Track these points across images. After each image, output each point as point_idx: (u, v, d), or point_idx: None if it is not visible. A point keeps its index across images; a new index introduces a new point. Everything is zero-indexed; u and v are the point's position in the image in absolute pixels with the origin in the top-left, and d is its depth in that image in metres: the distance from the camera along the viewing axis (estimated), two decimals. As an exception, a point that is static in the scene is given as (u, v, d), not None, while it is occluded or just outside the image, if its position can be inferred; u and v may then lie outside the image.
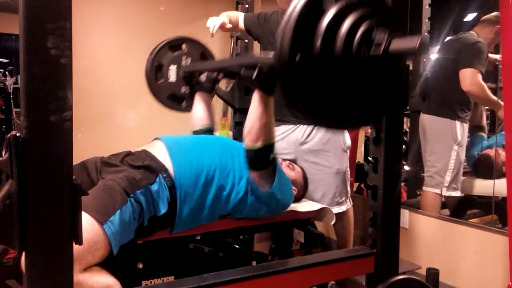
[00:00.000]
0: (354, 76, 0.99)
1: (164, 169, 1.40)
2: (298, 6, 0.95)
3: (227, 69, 1.87)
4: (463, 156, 2.59)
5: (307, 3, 0.95)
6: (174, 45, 2.05)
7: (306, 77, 0.97)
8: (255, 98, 1.41)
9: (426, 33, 3.15)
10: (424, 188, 2.66)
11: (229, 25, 2.12)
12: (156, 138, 1.58)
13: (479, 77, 2.38)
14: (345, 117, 1.09)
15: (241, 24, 2.26)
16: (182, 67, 2.04)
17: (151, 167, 1.38)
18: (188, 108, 2.01)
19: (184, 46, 2.07)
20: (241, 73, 1.57)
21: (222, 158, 1.51)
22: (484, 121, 3.01)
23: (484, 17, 2.58)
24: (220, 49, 2.44)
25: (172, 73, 2.03)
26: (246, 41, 2.61)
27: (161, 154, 1.46)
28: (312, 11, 0.96)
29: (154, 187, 1.34)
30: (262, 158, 1.43)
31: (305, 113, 1.06)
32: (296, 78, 0.97)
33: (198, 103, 1.92)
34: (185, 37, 2.09)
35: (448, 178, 2.53)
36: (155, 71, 2.01)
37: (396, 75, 1.12)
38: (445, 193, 2.55)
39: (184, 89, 2.06)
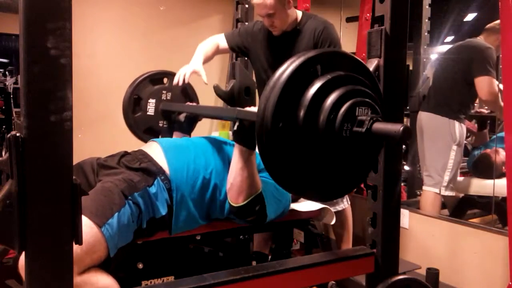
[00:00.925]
0: (335, 150, 0.99)
1: (162, 171, 1.39)
2: (285, 74, 0.96)
3: (206, 117, 1.84)
4: (461, 156, 2.59)
5: (294, 72, 0.96)
6: (155, 78, 2.03)
7: (286, 145, 0.97)
8: (236, 152, 1.38)
9: (426, 33, 3.16)
10: (423, 187, 2.66)
11: (201, 71, 1.98)
12: (152, 140, 1.57)
13: (496, 85, 2.39)
14: (324, 188, 1.09)
15: (224, 45, 2.22)
16: (162, 101, 2.00)
17: (149, 169, 1.38)
18: None
19: (165, 80, 2.05)
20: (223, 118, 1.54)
21: (218, 161, 1.50)
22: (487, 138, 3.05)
23: (489, 26, 2.58)
24: (219, 56, 2.43)
25: (151, 107, 2.00)
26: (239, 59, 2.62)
27: (158, 156, 1.45)
28: (298, 80, 0.97)
29: (152, 189, 1.34)
30: (247, 212, 1.41)
31: (278, 182, 1.04)
32: (276, 145, 0.97)
33: None
34: (167, 72, 2.07)
35: (446, 177, 2.54)
36: (133, 104, 1.98)
37: (376, 153, 1.13)
38: (444, 192, 2.56)
39: (161, 124, 2.03)
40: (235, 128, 1.38)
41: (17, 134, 0.70)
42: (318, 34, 2.05)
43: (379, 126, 0.96)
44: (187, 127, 1.93)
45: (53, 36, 0.71)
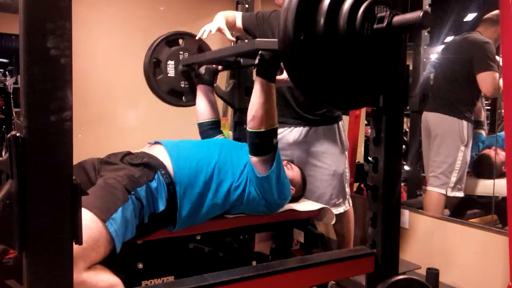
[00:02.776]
0: (358, 53, 1.00)
1: (162, 166, 1.41)
2: None
3: (226, 60, 1.86)
4: (468, 157, 2.58)
5: None
6: (171, 40, 2.06)
7: (310, 56, 0.98)
8: (257, 86, 1.44)
9: (426, 33, 3.15)
10: (428, 188, 2.63)
11: (225, 29, 2.03)
12: (156, 142, 1.58)
13: (498, 79, 2.38)
14: (349, 96, 1.10)
15: (239, 24, 2.24)
16: (180, 62, 2.04)
17: (150, 164, 1.40)
18: (189, 103, 2.03)
19: (181, 41, 2.08)
20: (242, 63, 1.57)
21: (221, 156, 1.53)
22: (483, 116, 3.01)
23: (486, 16, 2.57)
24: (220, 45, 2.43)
25: (171, 68, 2.04)
26: (246, 40, 2.61)
27: (161, 154, 1.47)
28: None
29: (153, 184, 1.35)
30: (266, 142, 1.46)
31: (310, 96, 1.06)
32: (301, 58, 0.98)
33: (200, 97, 1.93)
34: (181, 32, 2.10)
35: (454, 178, 2.52)
36: (153, 67, 2.02)
37: (398, 52, 1.12)
38: (450, 193, 2.53)
39: (183, 84, 2.07)
40: (256, 61, 1.41)
41: (17, 134, 0.70)
42: None
43: (399, 18, 0.96)
44: (209, 79, 1.96)
45: (53, 36, 0.71)
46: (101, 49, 3.04)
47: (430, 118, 2.66)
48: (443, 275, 1.92)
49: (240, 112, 2.27)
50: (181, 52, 2.05)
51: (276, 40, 1.13)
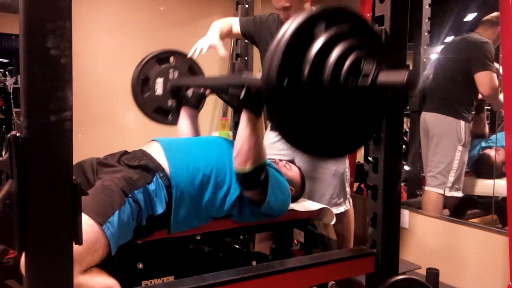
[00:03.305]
0: (341, 105, 0.99)
1: (160, 168, 1.40)
2: (289, 31, 0.95)
3: (214, 87, 1.84)
4: (466, 157, 2.58)
5: (298, 28, 0.95)
6: (161, 58, 2.02)
7: (292, 103, 0.97)
8: (243, 119, 1.39)
9: (426, 33, 3.16)
10: (426, 188, 2.64)
11: (218, 44, 1.97)
12: (153, 140, 1.57)
13: (496, 79, 2.38)
14: (329, 145, 1.09)
15: (237, 29, 2.22)
16: (169, 81, 2.00)
17: (148, 166, 1.38)
18: (175, 122, 1.97)
19: (171, 59, 2.04)
20: (229, 92, 1.56)
21: (219, 159, 1.50)
22: (487, 130, 3.03)
23: (485, 18, 2.57)
24: (219, 56, 2.43)
25: (159, 86, 2.00)
26: (246, 41, 2.61)
27: (158, 154, 1.45)
28: (302, 37, 0.96)
29: (151, 186, 1.34)
30: (253, 180, 1.42)
31: (286, 139, 1.04)
32: (283, 103, 0.97)
33: (183, 118, 1.89)
34: (172, 50, 2.06)
35: (451, 178, 2.52)
36: (141, 84, 1.98)
37: (382, 106, 1.12)
38: (448, 193, 2.54)
39: (170, 102, 2.02)
40: (242, 95, 1.37)
41: (17, 134, 0.70)
42: None
43: (384, 76, 0.96)
44: (195, 103, 1.91)
45: (53, 36, 0.71)
46: (101, 49, 3.04)
47: (428, 118, 2.67)
48: (443, 275, 1.92)
49: (240, 112, 2.26)
50: (170, 70, 2.01)
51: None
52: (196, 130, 1.91)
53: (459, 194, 2.58)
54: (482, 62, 2.39)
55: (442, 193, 2.55)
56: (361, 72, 0.97)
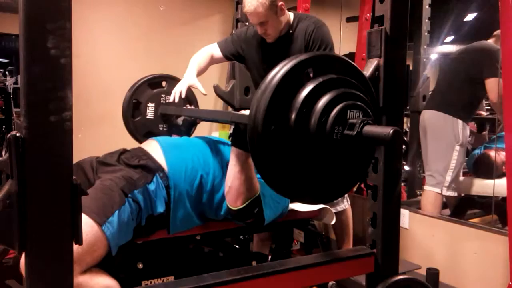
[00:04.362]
0: (327, 153, 0.99)
1: (160, 168, 1.39)
2: (277, 76, 0.96)
3: (203, 119, 1.84)
4: (463, 157, 2.59)
5: (286, 74, 0.96)
6: (153, 82, 2.03)
7: (277, 149, 0.97)
8: (233, 155, 1.38)
9: (426, 33, 3.16)
10: (425, 187, 2.65)
11: (197, 83, 1.94)
12: (152, 139, 1.57)
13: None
14: (315, 192, 1.09)
15: (218, 55, 2.19)
16: (160, 105, 2.01)
17: (148, 166, 1.38)
18: None
19: (164, 83, 2.05)
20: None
21: (216, 161, 1.50)
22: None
23: (497, 32, 2.56)
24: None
25: (150, 111, 2.01)
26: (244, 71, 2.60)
27: (156, 153, 1.45)
28: (290, 83, 0.97)
29: (151, 186, 1.34)
30: (246, 215, 1.42)
31: (270, 184, 1.04)
32: (267, 149, 0.97)
33: None
34: (165, 75, 2.06)
35: (448, 178, 2.53)
36: (132, 108, 1.99)
37: (369, 156, 1.13)
38: (445, 193, 2.55)
39: (161, 127, 2.03)
40: (231, 131, 1.36)
41: (17, 134, 0.70)
42: (308, 35, 2.03)
43: (369, 129, 0.96)
44: (185, 130, 1.93)
45: (53, 36, 0.71)
46: (101, 49, 3.04)
47: (426, 116, 2.68)
48: (443, 275, 1.92)
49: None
50: (162, 95, 2.01)
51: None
52: None
53: (456, 193, 2.59)
54: (495, 69, 2.38)
55: (440, 192, 2.55)
56: (347, 122, 0.98)
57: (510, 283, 1.68)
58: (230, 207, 1.39)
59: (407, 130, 3.34)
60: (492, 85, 2.39)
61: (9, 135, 0.70)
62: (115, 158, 1.43)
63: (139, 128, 2.00)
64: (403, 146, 2.91)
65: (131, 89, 2.00)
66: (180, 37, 3.22)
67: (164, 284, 1.33)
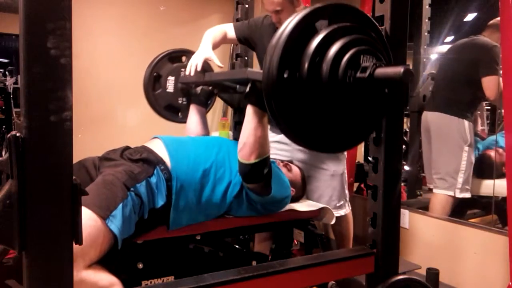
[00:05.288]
0: (340, 99, 1.00)
1: (161, 161, 1.41)
2: (290, 25, 0.96)
3: (220, 83, 1.85)
4: (473, 157, 2.55)
5: (300, 23, 0.96)
6: (173, 56, 2.09)
7: (292, 97, 0.98)
8: (248, 113, 1.41)
9: (426, 33, 3.16)
10: (435, 190, 2.60)
11: (213, 56, 1.93)
12: (155, 137, 1.59)
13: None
14: (328, 139, 1.09)
15: (232, 35, 2.20)
16: (179, 79, 2.06)
17: (149, 159, 1.40)
18: (184, 119, 2.02)
19: (183, 58, 2.10)
20: (237, 89, 1.57)
21: (219, 155, 1.53)
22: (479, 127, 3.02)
23: (492, 22, 2.56)
24: (220, 49, 2.43)
25: (170, 84, 2.07)
26: (246, 58, 2.60)
27: (159, 148, 1.47)
28: (304, 31, 0.97)
29: (153, 179, 1.36)
30: (256, 173, 1.43)
31: (285, 133, 1.05)
32: (282, 96, 0.97)
33: (192, 116, 1.92)
34: (185, 50, 2.12)
35: (460, 179, 2.49)
36: (153, 81, 2.04)
37: (381, 102, 1.12)
38: (459, 195, 2.50)
39: (181, 100, 2.08)
40: (247, 89, 1.40)
41: (17, 134, 0.70)
42: None
43: (381, 70, 0.97)
44: (204, 100, 1.96)
45: (53, 36, 0.71)
46: (101, 49, 3.05)
47: (430, 118, 2.65)
48: (443, 275, 1.92)
49: (240, 112, 2.27)
50: (182, 69, 2.06)
51: None
52: (205, 128, 1.93)
53: (469, 195, 2.55)
54: (491, 67, 2.38)
55: (453, 195, 2.51)
56: (360, 66, 0.98)
57: (510, 283, 1.68)
58: (243, 161, 1.41)
59: (407, 130, 3.34)
60: (489, 83, 2.38)
61: (9, 135, 0.70)
62: (118, 154, 1.45)
63: (159, 100, 2.07)
64: (403, 146, 2.91)
65: (152, 62, 2.07)
66: (180, 37, 3.22)
67: (164, 284, 1.33)
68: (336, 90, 0.98)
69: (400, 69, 0.93)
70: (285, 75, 0.95)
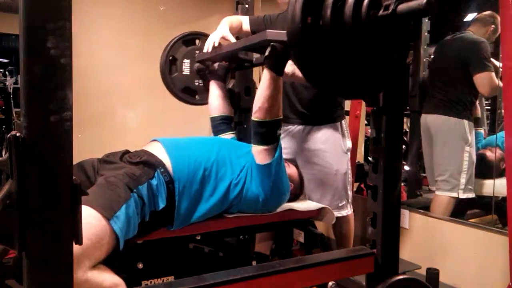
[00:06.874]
0: (364, 41, 1.02)
1: (161, 164, 1.42)
2: None
3: (236, 57, 1.89)
4: (474, 157, 2.55)
5: None
6: (188, 39, 2.15)
7: (317, 43, 1.00)
8: (265, 78, 1.47)
9: (426, 33, 3.15)
10: (437, 192, 2.59)
11: (229, 36, 1.97)
12: (154, 140, 1.59)
13: (496, 79, 2.37)
14: (355, 85, 1.12)
15: (247, 28, 2.21)
16: (195, 58, 2.10)
17: (149, 162, 1.40)
18: (202, 101, 2.08)
19: (197, 41, 2.16)
20: (253, 62, 1.56)
21: (219, 154, 1.54)
22: (479, 113, 2.99)
23: (477, 17, 2.57)
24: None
25: (186, 67, 2.13)
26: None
27: (159, 151, 1.48)
28: None
29: (154, 182, 1.37)
30: (270, 132, 1.49)
31: (310, 79, 1.07)
32: (308, 44, 1.00)
33: (213, 92, 1.97)
34: (198, 32, 2.17)
35: (463, 180, 2.48)
36: (169, 65, 2.10)
37: (404, 38, 1.13)
38: (462, 195, 2.49)
39: (197, 83, 2.15)
40: (266, 53, 1.45)
41: (17, 134, 0.70)
42: None
43: (403, 6, 0.98)
44: (222, 75, 2.01)
45: (53, 36, 0.71)
46: (101, 49, 3.04)
47: (430, 120, 2.64)
48: (443, 275, 1.92)
49: (240, 112, 2.27)
50: (197, 52, 2.12)
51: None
52: (226, 102, 1.98)
53: (473, 195, 2.54)
54: (481, 63, 2.38)
55: (456, 196, 2.49)
56: (382, 5, 1.00)
57: (510, 283, 1.68)
58: (260, 120, 1.49)
59: (407, 130, 3.33)
60: (480, 80, 2.38)
61: (9, 135, 0.70)
62: (117, 157, 1.46)
63: (176, 83, 2.13)
64: (403, 146, 2.91)
65: (167, 46, 2.12)
66: (180, 37, 3.22)
67: (164, 284, 1.33)
68: (361, 31, 1.00)
69: (422, 1, 0.95)
70: (308, 21, 0.98)
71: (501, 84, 2.35)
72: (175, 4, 3.29)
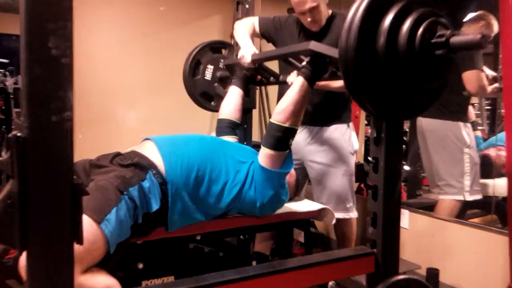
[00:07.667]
0: (416, 68, 1.05)
1: (153, 165, 1.40)
2: (363, 5, 1.01)
3: (268, 72, 1.93)
4: (476, 157, 2.52)
5: (371, 3, 1.01)
6: (215, 47, 2.23)
7: (370, 73, 1.03)
8: (296, 85, 1.51)
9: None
10: (442, 197, 2.56)
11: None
12: (146, 139, 1.57)
13: (484, 77, 2.37)
14: (403, 108, 1.16)
15: (257, 29, 2.22)
16: (218, 70, 2.19)
17: (140, 164, 1.38)
18: (216, 108, 2.10)
19: (224, 51, 2.24)
20: (281, 79, 1.75)
21: (214, 155, 1.52)
22: (473, 116, 2.98)
23: (468, 18, 2.57)
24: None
25: (209, 73, 2.20)
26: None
27: (151, 152, 1.45)
28: (375, 10, 1.03)
29: (146, 183, 1.34)
30: (284, 139, 1.51)
31: (361, 104, 1.10)
32: (360, 69, 1.02)
33: (231, 96, 1.99)
34: (226, 42, 2.27)
35: (467, 182, 2.45)
36: (193, 67, 2.16)
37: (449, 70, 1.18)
38: (469, 198, 2.47)
39: (216, 90, 2.20)
40: (305, 62, 1.50)
41: (18, 134, 0.70)
42: None
43: (456, 39, 1.02)
44: (245, 84, 2.04)
45: (54, 36, 0.71)
46: (101, 49, 3.04)
47: (424, 124, 2.61)
48: (443, 275, 1.92)
49: (241, 113, 2.27)
50: (221, 60, 2.20)
51: (330, 47, 1.27)
52: (238, 110, 1.99)
53: (480, 196, 2.51)
54: (470, 61, 2.36)
55: (462, 199, 2.47)
56: (435, 35, 1.04)
57: (510, 283, 1.68)
58: (278, 123, 1.51)
59: (407, 130, 3.33)
60: (469, 77, 2.36)
61: (9, 135, 0.70)
62: (108, 160, 1.43)
63: (197, 86, 2.19)
64: (403, 146, 2.90)
65: (195, 49, 2.18)
66: (180, 37, 3.22)
67: (164, 284, 1.33)
68: (414, 60, 1.03)
69: (478, 36, 0.99)
70: (363, 52, 1.00)
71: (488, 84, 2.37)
72: (175, 4, 3.29)
